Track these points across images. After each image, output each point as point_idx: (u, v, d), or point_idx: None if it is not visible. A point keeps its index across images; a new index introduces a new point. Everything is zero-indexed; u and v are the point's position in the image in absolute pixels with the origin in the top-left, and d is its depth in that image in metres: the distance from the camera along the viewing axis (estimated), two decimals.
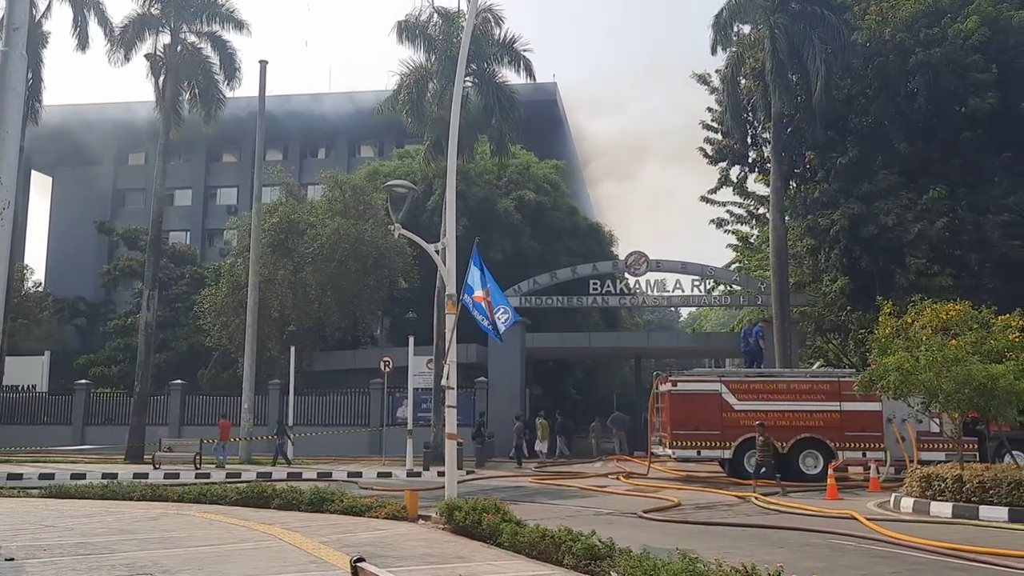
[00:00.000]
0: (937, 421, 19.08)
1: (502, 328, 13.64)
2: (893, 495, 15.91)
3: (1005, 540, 11.38)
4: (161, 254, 33.73)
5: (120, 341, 43.95)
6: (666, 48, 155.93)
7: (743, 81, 31.49)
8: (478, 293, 13.24)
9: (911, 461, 18.58)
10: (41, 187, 64.27)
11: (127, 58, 30.72)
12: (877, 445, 20.80)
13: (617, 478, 22.46)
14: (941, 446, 19.83)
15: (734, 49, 30.44)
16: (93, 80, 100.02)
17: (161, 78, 30.82)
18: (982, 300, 18.34)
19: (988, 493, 13.70)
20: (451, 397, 12.83)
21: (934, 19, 28.27)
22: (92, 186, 60.45)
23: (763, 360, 25.79)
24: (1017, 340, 15.15)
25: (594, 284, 33.90)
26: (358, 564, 3.93)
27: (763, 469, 18.63)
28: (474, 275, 13.31)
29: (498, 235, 37.15)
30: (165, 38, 30.93)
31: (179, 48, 30.88)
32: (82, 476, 21.78)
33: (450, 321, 12.98)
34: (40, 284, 53.46)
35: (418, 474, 24.06)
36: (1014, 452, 17.76)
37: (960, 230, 26.86)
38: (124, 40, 30.59)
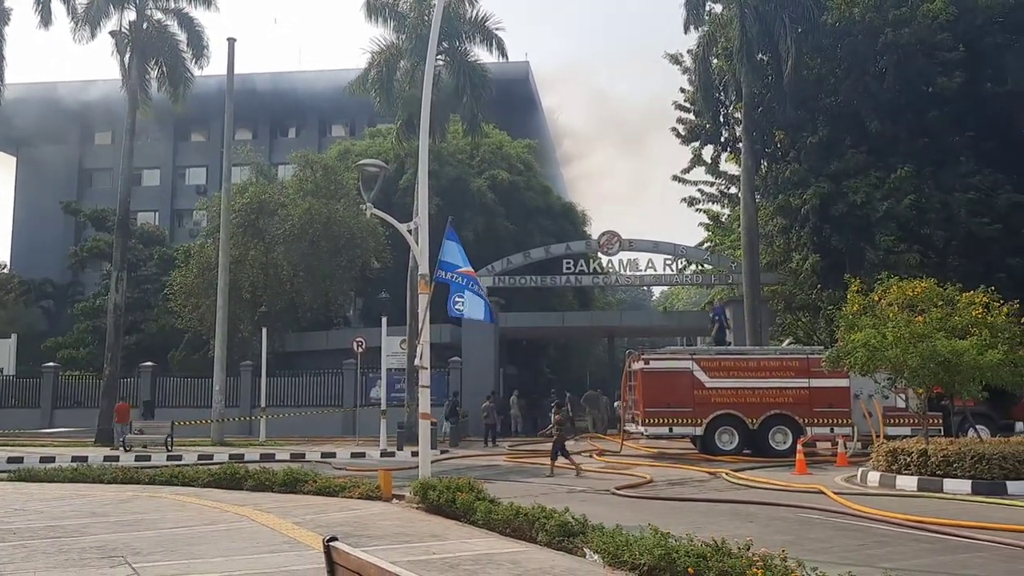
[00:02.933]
0: (903, 397, 19.44)
1: (479, 310, 13.29)
2: (860, 469, 16.19)
3: (968, 512, 11.63)
4: (129, 235, 33.23)
5: (88, 323, 43.42)
6: (648, 27, 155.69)
7: (715, 61, 31.48)
8: (466, 268, 13.10)
9: (878, 436, 18.94)
10: (4, 167, 63.19)
11: (92, 35, 30.18)
12: (845, 421, 21.13)
13: (590, 456, 22.63)
14: (907, 421, 20.25)
15: (706, 28, 30.43)
16: (58, 58, 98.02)
17: (127, 56, 30.22)
18: (947, 277, 18.61)
19: (952, 467, 13.98)
20: (424, 377, 12.84)
21: None
22: (58, 166, 59.46)
23: (725, 340, 25.91)
24: (981, 316, 15.44)
25: (567, 264, 34.01)
26: (331, 544, 3.95)
27: (559, 448, 18.24)
28: (453, 250, 13.09)
29: (471, 215, 37.05)
30: (131, 15, 30.33)
31: (145, 25, 30.32)
32: (51, 459, 21.53)
33: (423, 301, 12.95)
34: (5, 266, 52.75)
35: (392, 454, 24.10)
36: (977, 426, 18.16)
37: (927, 208, 27.18)
38: (88, 17, 29.98)
